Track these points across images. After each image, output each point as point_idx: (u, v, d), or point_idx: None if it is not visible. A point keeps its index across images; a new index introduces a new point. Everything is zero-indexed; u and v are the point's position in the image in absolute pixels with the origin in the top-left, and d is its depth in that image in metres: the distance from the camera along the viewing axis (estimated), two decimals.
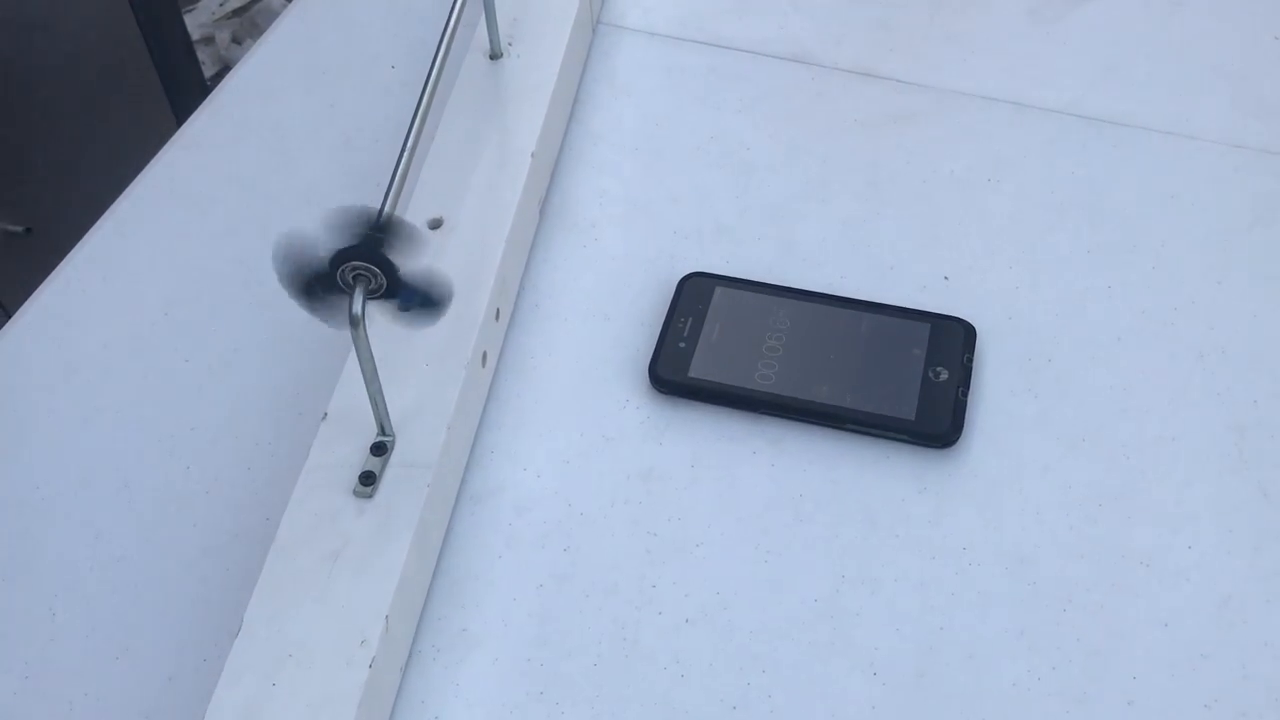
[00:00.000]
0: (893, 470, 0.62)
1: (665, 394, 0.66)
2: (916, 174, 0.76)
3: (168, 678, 0.57)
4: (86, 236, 0.75)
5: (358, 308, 0.52)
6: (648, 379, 0.66)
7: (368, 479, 0.57)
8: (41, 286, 0.73)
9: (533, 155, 0.70)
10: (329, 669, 0.51)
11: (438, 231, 0.67)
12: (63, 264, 0.74)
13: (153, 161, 0.79)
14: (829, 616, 0.57)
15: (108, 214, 0.76)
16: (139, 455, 0.65)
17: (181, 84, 1.39)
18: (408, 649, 0.57)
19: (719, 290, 0.69)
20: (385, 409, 0.57)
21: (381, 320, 0.62)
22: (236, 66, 0.86)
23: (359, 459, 0.58)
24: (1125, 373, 0.66)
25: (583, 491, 0.62)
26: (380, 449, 0.58)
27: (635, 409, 0.66)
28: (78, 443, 0.65)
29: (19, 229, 1.43)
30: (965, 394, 0.64)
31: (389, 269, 0.52)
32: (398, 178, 0.57)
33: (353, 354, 0.60)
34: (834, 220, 0.74)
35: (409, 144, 0.58)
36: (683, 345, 0.67)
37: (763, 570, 0.59)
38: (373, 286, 0.52)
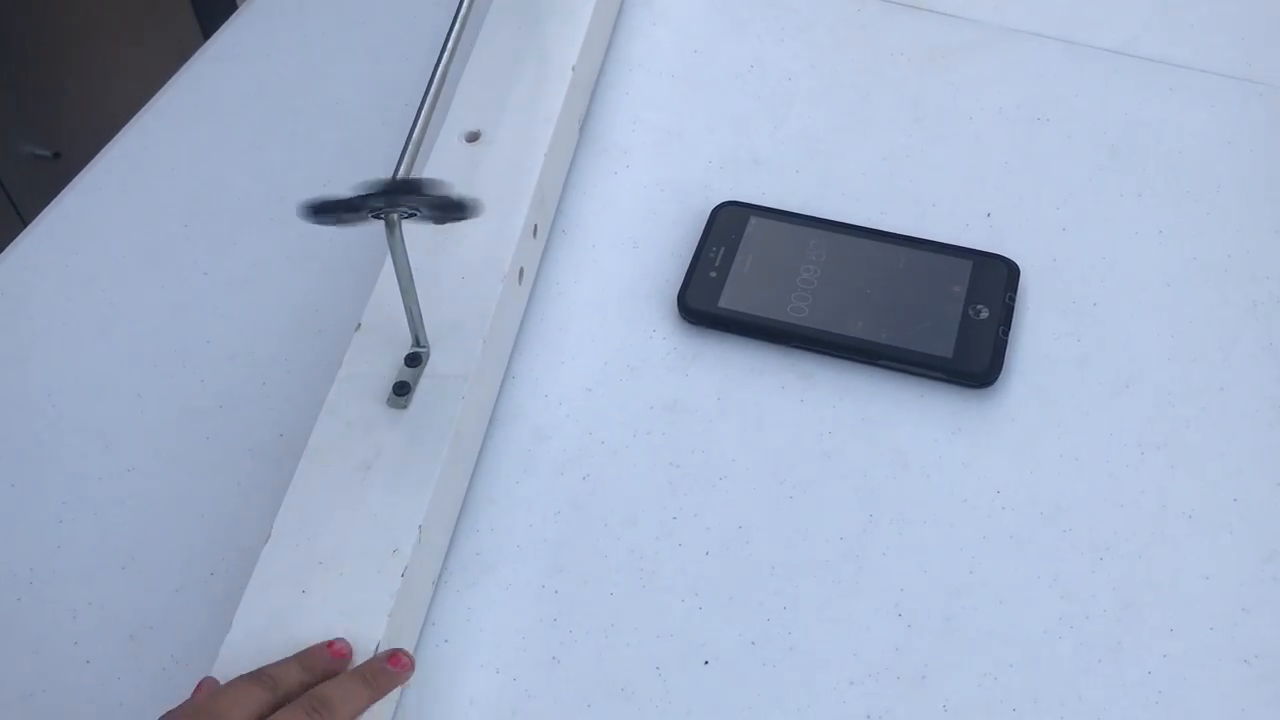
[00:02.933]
0: (927, 409, 0.60)
1: (693, 324, 0.64)
2: (963, 110, 0.73)
3: (174, 589, 0.55)
4: (108, 147, 0.74)
5: (395, 214, 0.50)
6: (676, 309, 0.64)
7: (402, 389, 0.55)
8: (61, 195, 0.71)
9: (573, 69, 0.68)
10: (361, 577, 0.50)
11: (475, 144, 0.65)
12: (83, 173, 0.72)
13: (178, 73, 0.77)
14: (854, 556, 0.55)
15: (130, 124, 0.75)
16: (153, 367, 0.63)
17: (211, 7, 1.37)
18: (440, 562, 0.55)
19: (753, 220, 0.67)
20: (420, 319, 0.55)
21: (410, 229, 0.61)
22: None
23: (392, 370, 0.56)
24: (1174, 320, 0.63)
25: (604, 420, 0.60)
26: (415, 360, 0.56)
27: (662, 339, 0.64)
28: (92, 352, 0.64)
29: (47, 153, 1.42)
30: (1006, 334, 0.61)
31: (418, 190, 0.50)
32: (432, 89, 0.54)
33: (388, 263, 0.58)
34: (875, 155, 0.71)
35: (445, 55, 0.55)
36: (713, 275, 0.64)
37: (787, 506, 0.57)
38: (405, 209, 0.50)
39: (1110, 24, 0.77)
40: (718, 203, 0.68)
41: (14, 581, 0.56)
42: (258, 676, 0.46)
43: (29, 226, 0.70)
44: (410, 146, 0.52)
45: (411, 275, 0.53)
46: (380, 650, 0.49)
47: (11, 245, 0.69)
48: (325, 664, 0.48)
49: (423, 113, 0.53)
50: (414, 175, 0.52)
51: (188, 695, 0.47)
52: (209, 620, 0.52)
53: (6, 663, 0.54)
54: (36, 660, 0.53)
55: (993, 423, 0.60)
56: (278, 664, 0.47)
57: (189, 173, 0.72)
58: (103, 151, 0.73)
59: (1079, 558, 0.55)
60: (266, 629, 0.49)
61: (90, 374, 0.63)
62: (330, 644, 0.48)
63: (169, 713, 0.44)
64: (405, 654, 0.49)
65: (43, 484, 0.59)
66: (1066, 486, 0.57)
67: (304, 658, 0.48)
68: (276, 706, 0.45)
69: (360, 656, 0.48)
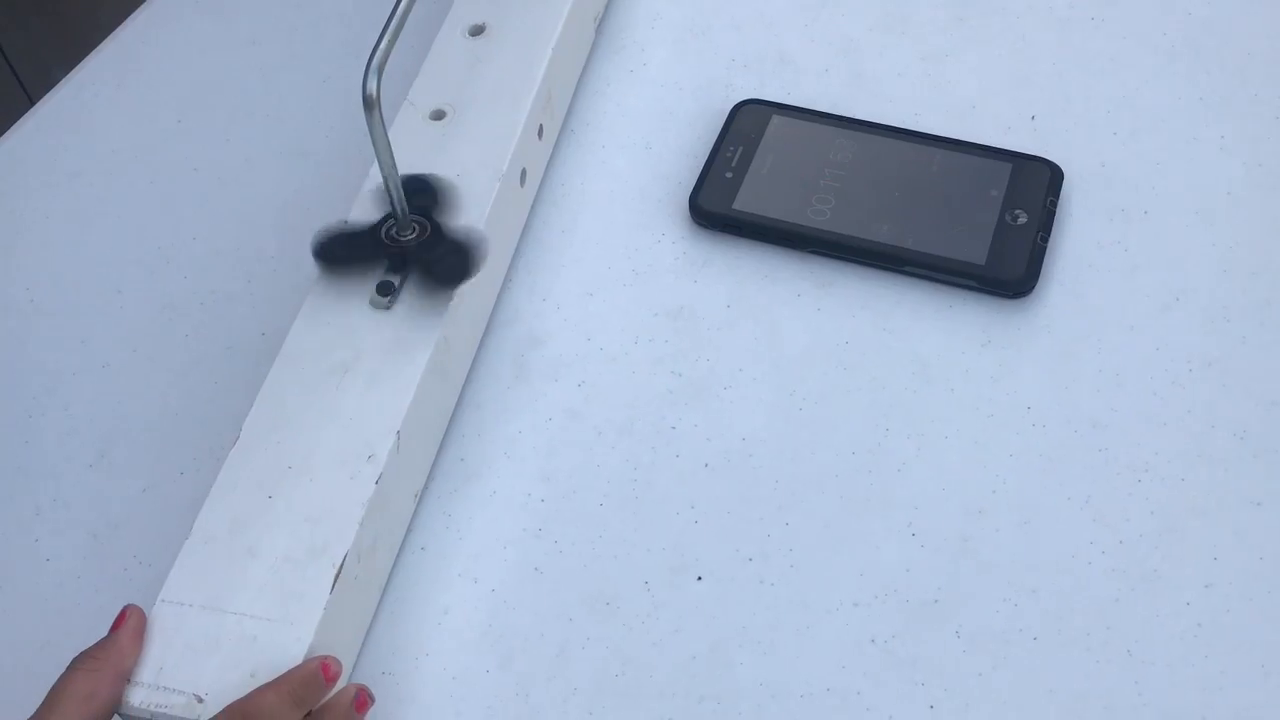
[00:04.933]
0: (955, 320, 0.55)
1: (705, 228, 0.59)
2: (1010, 8, 0.67)
3: (142, 489, 0.52)
4: (105, 42, 0.71)
5: (372, 86, 0.46)
6: (687, 212, 0.60)
7: (385, 289, 0.51)
8: (54, 89, 0.68)
9: None
10: (331, 483, 0.46)
11: (479, 38, 0.61)
12: (77, 69, 0.69)
13: None
14: (866, 471, 0.51)
15: (128, 20, 0.72)
16: (136, 262, 0.60)
17: None
18: (424, 475, 0.51)
19: (775, 119, 0.62)
20: (405, 208, 0.51)
21: (407, 128, 0.57)
22: None
23: (378, 269, 0.52)
24: (1232, 231, 0.57)
25: (604, 327, 0.56)
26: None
27: (671, 244, 0.59)
28: (74, 246, 0.61)
29: None
30: (1045, 241, 0.56)
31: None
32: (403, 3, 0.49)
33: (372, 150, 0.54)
34: (912, 54, 0.66)
35: None
36: (729, 176, 0.60)
37: (796, 418, 0.53)
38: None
39: None
40: (738, 101, 0.63)
41: None
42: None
43: (19, 120, 0.67)
44: (385, 37, 0.47)
45: (393, 159, 0.49)
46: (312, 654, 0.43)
47: (1, 138, 0.66)
48: (319, 693, 0.41)
49: (396, 15, 0.48)
50: (393, 69, 0.47)
51: (148, 597, 0.44)
52: (175, 521, 0.49)
53: None
54: None
55: (1026, 335, 0.55)
56: (267, 698, 0.40)
57: (186, 69, 0.69)
58: (99, 48, 0.70)
59: (1115, 478, 0.50)
60: (228, 534, 0.45)
61: (71, 269, 0.60)
62: (324, 665, 0.42)
63: None
64: (336, 663, 0.42)
65: (14, 379, 0.56)
66: (1105, 403, 0.52)
67: (297, 690, 0.41)
68: None
69: (325, 559, 0.44)
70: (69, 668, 0.40)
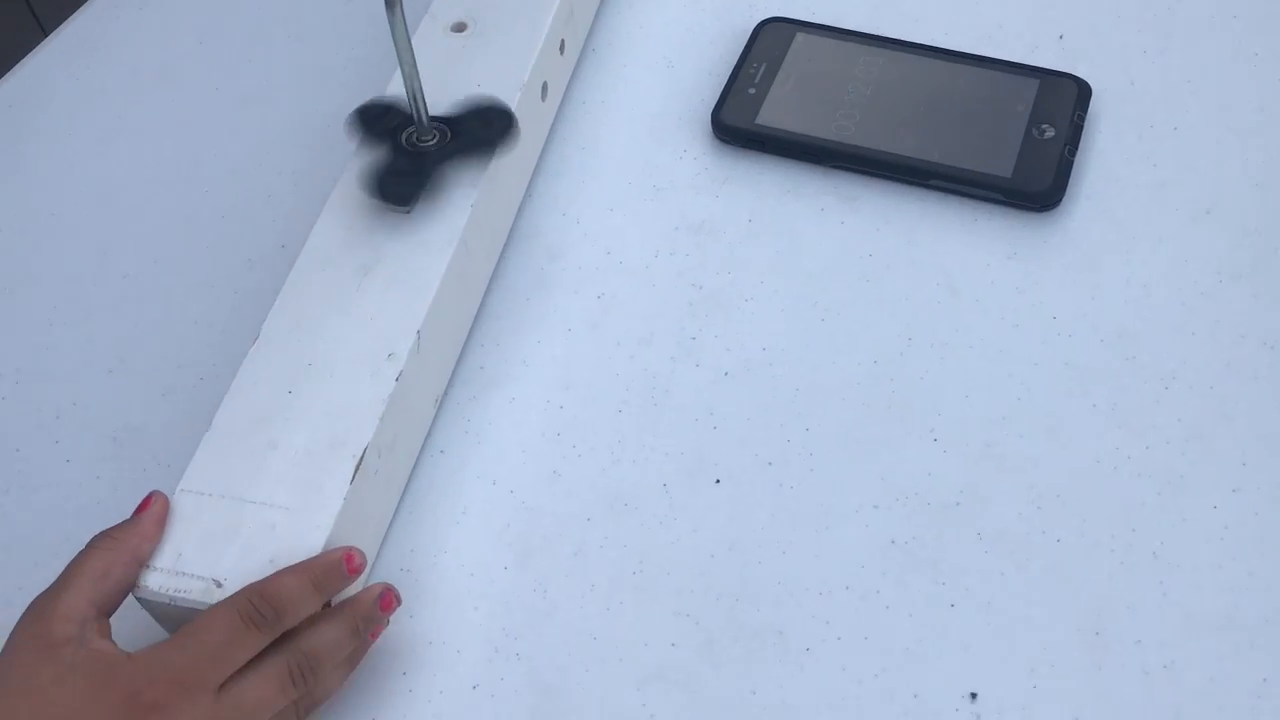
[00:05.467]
0: (981, 233, 0.54)
1: (727, 143, 0.59)
2: None
3: (161, 393, 0.52)
4: None
5: None
6: (710, 128, 0.59)
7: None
8: (78, 11, 0.68)
9: None
10: (352, 380, 0.46)
11: None
12: None
13: None
14: (888, 379, 0.50)
15: None
16: (157, 177, 0.60)
17: None
18: (445, 379, 0.51)
19: (800, 36, 0.61)
20: (426, 111, 0.51)
21: (428, 40, 0.57)
22: None
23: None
24: (1266, 145, 0.56)
25: (624, 240, 0.56)
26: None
27: (693, 159, 0.59)
28: (96, 161, 0.61)
29: None
30: (1073, 154, 0.55)
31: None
32: None
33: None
34: None
35: None
36: (752, 92, 0.59)
37: (818, 328, 0.52)
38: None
39: None
40: (761, 19, 0.62)
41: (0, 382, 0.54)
42: (256, 612, 0.39)
43: (43, 42, 0.67)
44: None
45: (414, 62, 0.49)
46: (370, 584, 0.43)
47: (25, 59, 0.66)
48: (340, 582, 0.41)
49: None
50: None
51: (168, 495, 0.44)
52: (194, 424, 0.49)
53: None
54: (16, 458, 0.51)
55: (1053, 247, 0.54)
56: (287, 581, 0.40)
57: None
58: None
59: (1142, 386, 0.49)
60: (248, 427, 0.45)
61: (93, 184, 0.60)
62: (347, 556, 0.41)
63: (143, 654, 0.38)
64: (360, 554, 0.42)
65: (35, 288, 0.56)
66: (1133, 313, 0.51)
67: (318, 577, 0.40)
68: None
69: (345, 452, 0.44)
70: (87, 545, 0.41)
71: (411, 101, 0.50)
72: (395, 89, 0.54)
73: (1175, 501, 0.46)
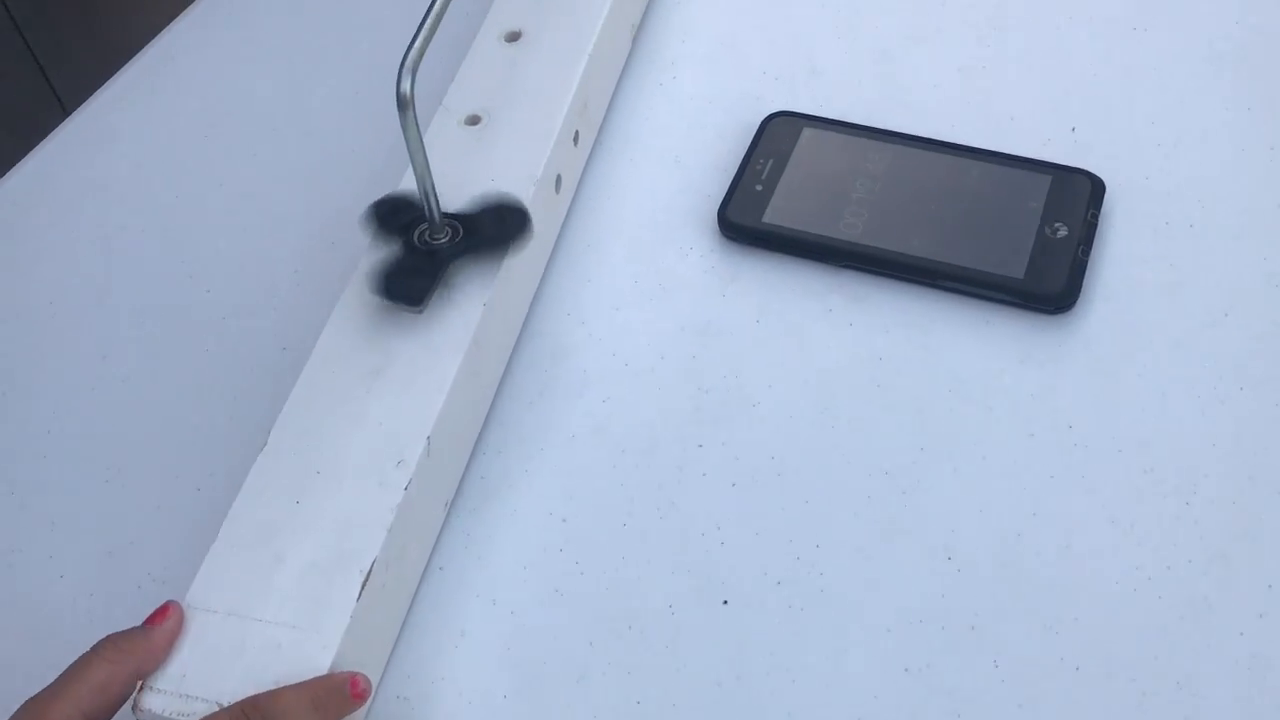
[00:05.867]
0: (993, 336, 0.53)
1: (734, 241, 0.58)
2: (1049, 18, 0.66)
3: (156, 506, 0.51)
4: (136, 57, 0.70)
5: (406, 85, 0.45)
6: (716, 226, 0.58)
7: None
8: (87, 102, 0.68)
9: None
10: (360, 489, 0.45)
11: (515, 44, 0.60)
12: (110, 81, 0.69)
13: None
14: (900, 492, 0.49)
15: (163, 32, 0.72)
16: (158, 276, 0.60)
17: None
18: (454, 485, 0.50)
19: (807, 131, 0.61)
20: (439, 211, 0.50)
21: (441, 133, 0.56)
22: None
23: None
24: None
25: (629, 342, 0.55)
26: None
27: (699, 257, 0.58)
28: (98, 260, 0.61)
29: None
30: (1086, 254, 0.54)
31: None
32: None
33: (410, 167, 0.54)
34: (948, 65, 0.64)
35: None
36: (759, 189, 0.58)
37: (828, 436, 0.51)
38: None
39: None
40: (768, 113, 0.62)
41: None
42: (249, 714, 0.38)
43: (52, 132, 0.67)
44: (420, 36, 0.46)
45: (428, 163, 0.48)
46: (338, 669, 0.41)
47: (28, 156, 0.66)
48: (343, 705, 0.40)
49: (431, 13, 0.47)
50: (417, 79, 0.46)
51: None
52: (190, 537, 0.48)
53: None
54: (8, 572, 0.50)
55: (1068, 351, 0.53)
56: (286, 697, 0.39)
57: (216, 82, 0.69)
58: (132, 61, 0.70)
59: (1162, 501, 0.47)
60: (255, 539, 0.44)
61: (94, 282, 0.60)
62: (353, 680, 0.40)
63: None
64: (365, 680, 0.41)
65: (34, 393, 0.56)
66: (1151, 423, 0.50)
67: (320, 696, 0.39)
68: None
69: (353, 567, 0.43)
70: (94, 648, 0.40)
71: (424, 200, 0.50)
72: (409, 183, 0.53)
73: (1200, 627, 0.44)
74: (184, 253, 0.61)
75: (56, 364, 0.57)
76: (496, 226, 0.51)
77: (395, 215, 0.52)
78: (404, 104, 0.46)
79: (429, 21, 0.47)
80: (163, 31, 0.72)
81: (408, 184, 0.53)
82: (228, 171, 0.64)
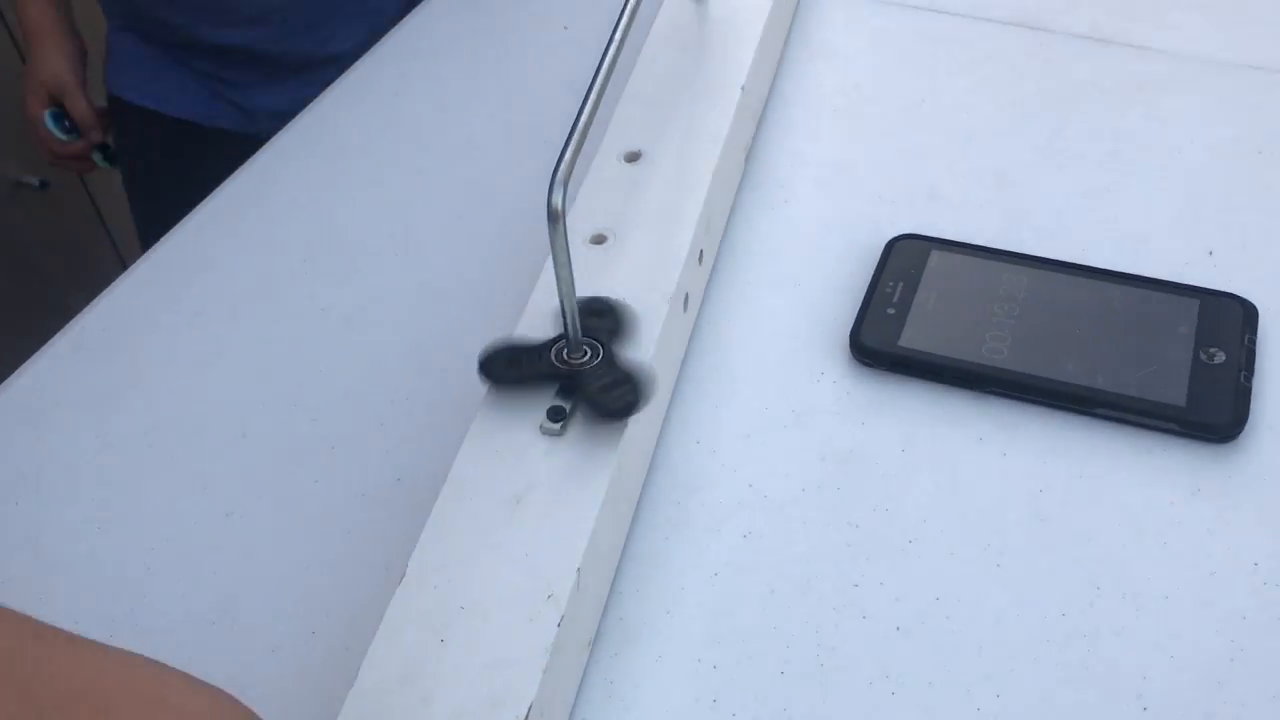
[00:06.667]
0: (1157, 466, 0.50)
1: (869, 366, 0.55)
2: (1168, 143, 0.64)
3: (270, 649, 0.47)
4: (228, 181, 0.69)
5: (558, 199, 0.43)
6: (847, 350, 0.56)
7: (557, 414, 0.47)
8: (177, 227, 0.66)
9: (742, 89, 0.61)
10: (510, 625, 0.41)
11: (635, 164, 0.58)
12: (200, 206, 0.68)
13: (311, 105, 0.73)
14: (1081, 635, 0.45)
15: (254, 158, 0.70)
16: (261, 404, 0.57)
17: None
18: (595, 623, 0.46)
19: (935, 254, 0.59)
20: (579, 329, 0.48)
21: (576, 250, 0.54)
22: (403, 21, 0.80)
23: (547, 393, 0.48)
24: None
25: (767, 472, 0.52)
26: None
27: (832, 383, 0.55)
28: (196, 388, 0.58)
29: (34, 181, 1.45)
30: (1249, 380, 0.52)
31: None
32: (590, 101, 0.47)
33: (536, 289, 0.52)
34: (1071, 189, 0.63)
35: (604, 69, 0.48)
36: (891, 312, 0.56)
37: (994, 575, 0.47)
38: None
39: None
40: (891, 236, 0.60)
41: (92, 635, 0.49)
42: None
43: (140, 259, 0.65)
44: (570, 148, 0.45)
45: (572, 278, 0.46)
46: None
47: (121, 278, 0.64)
48: None
49: (579, 127, 0.46)
50: (568, 192, 0.44)
51: None
52: (307, 685, 0.45)
53: None
54: None
55: (1240, 483, 0.49)
56: None
57: (311, 205, 0.67)
58: (221, 187, 0.69)
59: None
60: (398, 684, 0.40)
61: (193, 411, 0.57)
62: None
63: None
64: None
65: (132, 530, 0.52)
66: None
67: None
68: None
69: (508, 712, 0.39)
70: None
71: (565, 318, 0.47)
72: (524, 325, 0.51)
73: None
74: (285, 381, 0.58)
75: (156, 498, 0.53)
76: (624, 382, 0.48)
77: (511, 363, 0.49)
78: (554, 218, 0.44)
79: (577, 132, 0.45)
80: (258, 152, 0.70)
81: (540, 300, 0.51)
82: (327, 296, 0.62)
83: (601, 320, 0.50)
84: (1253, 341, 0.53)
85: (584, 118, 0.46)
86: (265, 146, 0.71)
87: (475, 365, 0.49)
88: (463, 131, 0.71)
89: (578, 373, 0.48)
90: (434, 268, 0.63)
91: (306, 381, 0.58)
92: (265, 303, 0.62)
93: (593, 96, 0.46)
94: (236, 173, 0.69)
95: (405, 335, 0.59)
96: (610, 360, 0.48)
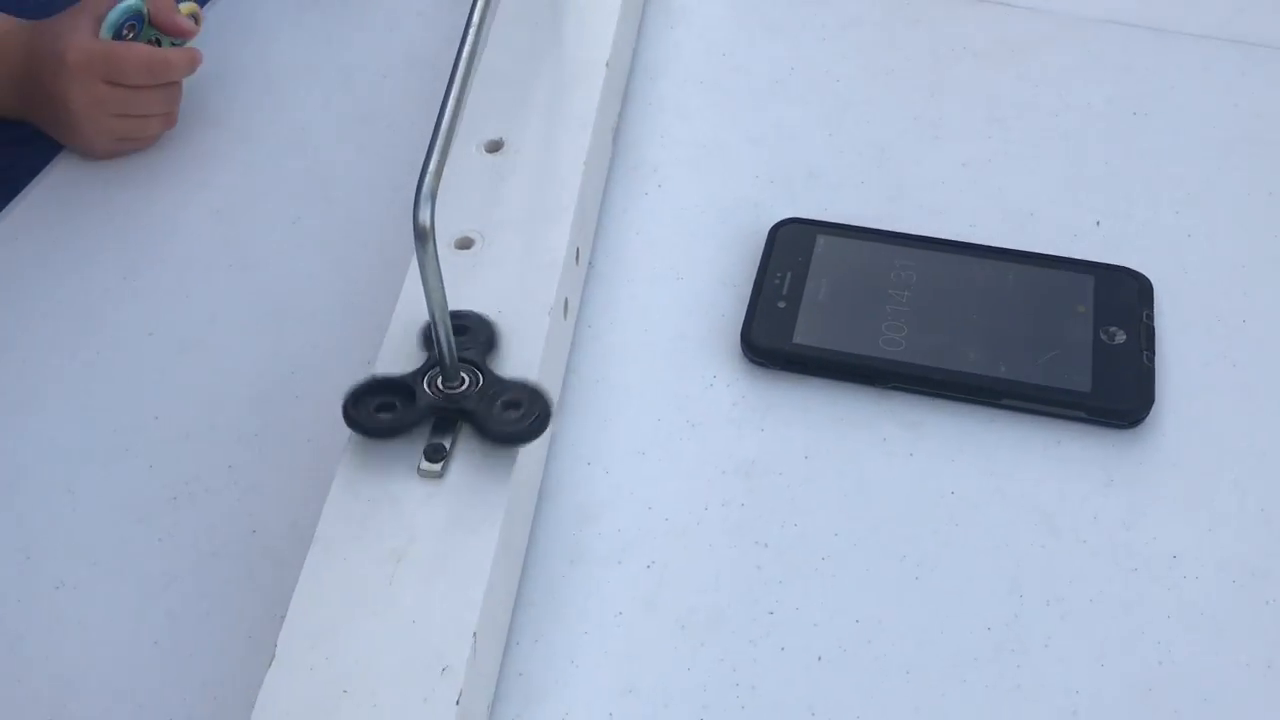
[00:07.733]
0: (1068, 457, 0.48)
1: (763, 366, 0.52)
2: (1046, 107, 0.62)
3: None
4: (29, 188, 0.61)
5: (425, 215, 0.38)
6: (739, 349, 0.52)
7: (436, 453, 0.42)
8: None
9: (608, 66, 0.56)
10: (401, 708, 0.37)
11: (497, 155, 0.53)
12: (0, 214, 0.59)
13: None
14: (1009, 649, 0.43)
15: (57, 158, 0.62)
16: (87, 454, 0.50)
17: None
18: (493, 686, 0.42)
19: (822, 239, 0.55)
20: (454, 354, 0.42)
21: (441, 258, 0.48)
22: None
23: (422, 430, 0.43)
24: None
25: (665, 492, 0.48)
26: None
27: (726, 386, 0.51)
28: (10, 436, 0.50)
29: None
30: (1151, 360, 0.50)
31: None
32: (450, 106, 0.41)
33: (400, 303, 0.46)
34: (952, 160, 0.60)
35: (462, 63, 0.42)
36: (782, 306, 0.53)
37: (914, 590, 0.45)
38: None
39: (1198, 7, 0.67)
40: (775, 221, 0.56)
41: None
42: None
43: None
44: (434, 158, 0.39)
45: (445, 300, 0.41)
46: None
47: None
48: None
49: (441, 128, 0.40)
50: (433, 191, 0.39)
51: None
52: None
53: None
54: None
55: (1152, 469, 0.48)
56: None
57: (128, 214, 0.59)
58: (21, 196, 0.60)
59: None
60: None
61: (9, 464, 0.49)
62: None
63: None
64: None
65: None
66: (1259, 547, 0.45)
67: None
68: None
69: None
70: None
71: (437, 343, 0.42)
72: (386, 349, 0.45)
73: None
74: (113, 421, 0.51)
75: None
76: (516, 405, 0.43)
77: (382, 407, 0.43)
78: (423, 236, 0.38)
79: (441, 135, 0.39)
80: (49, 164, 0.62)
81: (400, 319, 0.46)
82: (156, 318, 0.55)
83: (468, 337, 0.45)
84: (1151, 318, 0.52)
85: (447, 117, 0.40)
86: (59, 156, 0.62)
87: (332, 391, 0.43)
88: (295, 119, 0.64)
89: (461, 402, 0.43)
90: (277, 280, 0.56)
91: (138, 422, 0.51)
92: (83, 331, 0.54)
93: (454, 91, 0.41)
94: (38, 177, 0.61)
95: (248, 360, 0.53)
96: (495, 381, 0.43)
